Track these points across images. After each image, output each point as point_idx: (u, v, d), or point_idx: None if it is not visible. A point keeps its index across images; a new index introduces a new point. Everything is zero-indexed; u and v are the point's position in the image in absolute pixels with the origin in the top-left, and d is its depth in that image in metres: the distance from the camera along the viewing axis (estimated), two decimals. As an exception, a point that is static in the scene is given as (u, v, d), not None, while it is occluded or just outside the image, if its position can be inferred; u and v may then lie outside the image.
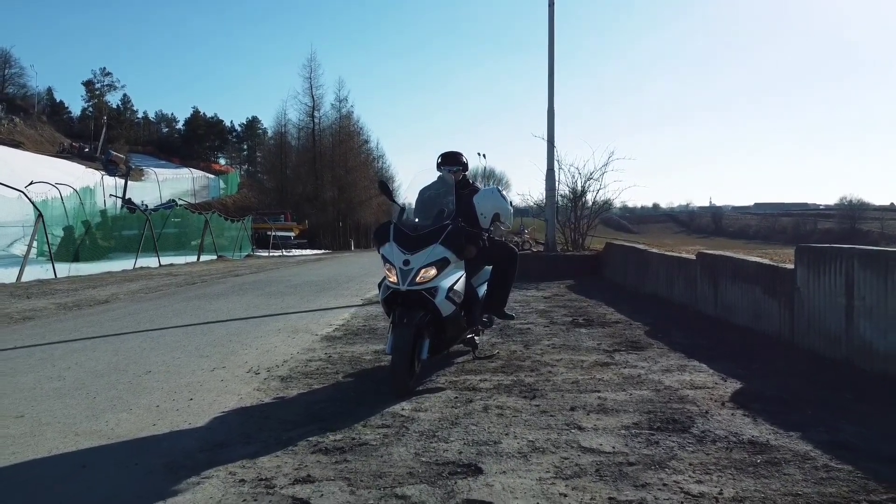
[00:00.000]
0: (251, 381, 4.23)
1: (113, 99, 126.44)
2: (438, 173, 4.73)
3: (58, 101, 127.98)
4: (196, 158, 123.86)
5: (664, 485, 2.36)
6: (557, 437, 2.92)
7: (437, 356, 4.24)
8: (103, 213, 44.35)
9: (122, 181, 48.71)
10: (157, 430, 3.19)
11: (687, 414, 3.25)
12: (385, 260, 4.06)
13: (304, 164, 44.82)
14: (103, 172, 51.01)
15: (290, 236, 36.46)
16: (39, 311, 8.14)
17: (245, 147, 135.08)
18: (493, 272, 4.67)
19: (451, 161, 4.81)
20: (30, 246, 14.43)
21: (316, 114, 45.31)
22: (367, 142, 50.66)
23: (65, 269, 16.70)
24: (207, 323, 7.00)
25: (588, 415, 3.28)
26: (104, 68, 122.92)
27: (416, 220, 4.28)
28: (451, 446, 2.83)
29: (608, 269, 10.89)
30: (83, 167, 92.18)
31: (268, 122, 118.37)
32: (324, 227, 42.18)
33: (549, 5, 12.90)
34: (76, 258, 21.76)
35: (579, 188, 13.06)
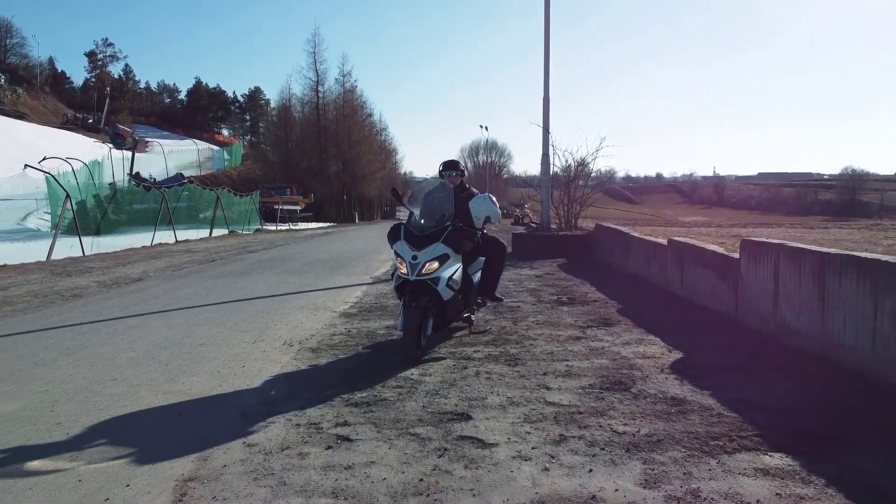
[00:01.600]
0: (287, 351, 5.19)
1: (115, 69, 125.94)
2: (441, 179, 5.66)
3: (59, 70, 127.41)
4: (199, 129, 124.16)
5: (599, 426, 3.32)
6: (529, 395, 3.88)
7: (439, 332, 5.19)
8: (112, 185, 45.14)
9: (130, 154, 49.28)
10: (224, 390, 4.16)
11: (631, 378, 4.21)
12: (397, 255, 4.98)
13: (309, 139, 45.50)
14: (111, 145, 51.65)
15: (296, 210, 37.35)
16: (84, 290, 9.12)
17: (248, 118, 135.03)
18: (486, 263, 5.60)
19: (451, 167, 5.71)
20: (58, 226, 15.23)
21: (320, 88, 45.97)
22: (370, 115, 51.31)
23: (87, 244, 17.62)
24: (237, 301, 7.97)
25: (555, 378, 4.24)
26: (106, 39, 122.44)
27: (423, 221, 5.19)
28: (449, 401, 3.79)
29: (597, 249, 11.82)
30: (89, 139, 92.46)
31: (270, 93, 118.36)
32: (329, 201, 43.07)
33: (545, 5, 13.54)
34: (97, 232, 22.67)
35: (572, 173, 13.87)
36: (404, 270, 4.87)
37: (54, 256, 14.17)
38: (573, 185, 13.81)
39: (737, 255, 5.92)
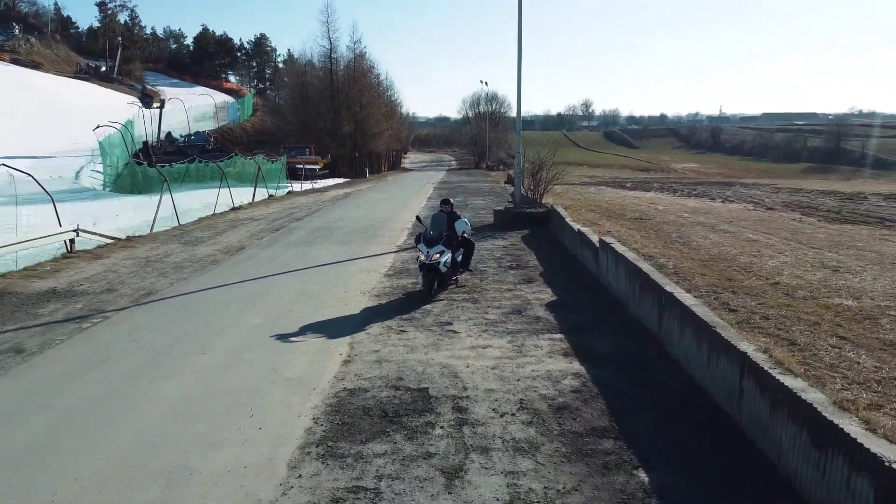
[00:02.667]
0: (364, 297, 10.38)
1: (121, 17, 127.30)
2: (440, 208, 10.77)
3: (65, 16, 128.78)
4: (206, 76, 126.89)
5: (503, 326, 8.51)
6: (479, 316, 9.08)
7: (440, 288, 10.37)
8: (145, 144, 49.95)
9: (157, 112, 53.64)
10: (344, 314, 9.37)
11: (525, 308, 9.40)
12: (419, 250, 10.12)
13: (324, 102, 49.89)
14: (139, 104, 55.94)
15: (315, 169, 42.21)
16: (212, 256, 14.29)
17: (254, 64, 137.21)
18: (464, 252, 10.74)
19: (446, 204, 10.77)
20: (157, 209, 19.35)
21: (333, 55, 50.10)
22: (378, 77, 55.50)
23: (146, 202, 22.47)
24: (317, 266, 13.14)
25: (491, 308, 9.43)
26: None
27: (431, 232, 10.30)
28: (444, 318, 8.99)
29: (551, 224, 16.89)
30: (103, 89, 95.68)
31: (276, 40, 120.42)
32: (342, 158, 47.87)
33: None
34: (144, 191, 27.26)
35: (537, 167, 18.81)
36: (423, 258, 10.02)
37: (133, 222, 19.15)
38: (538, 175, 18.77)
39: (597, 244, 11.02)
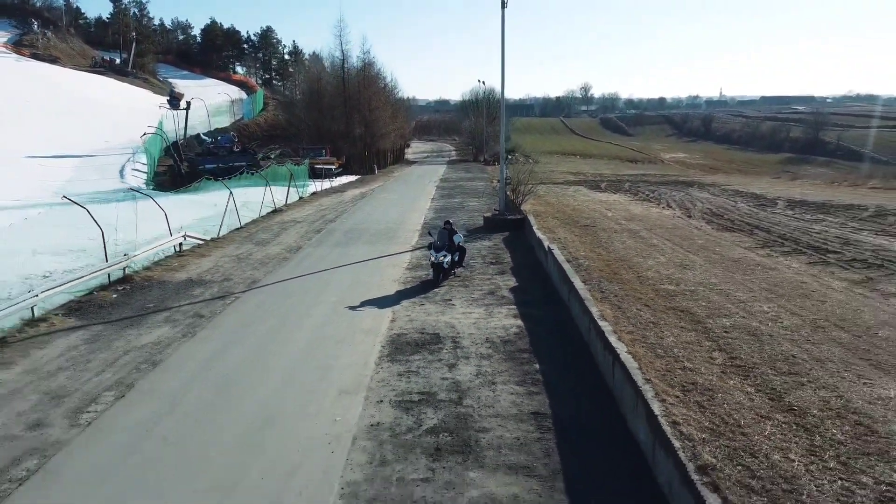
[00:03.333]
0: (395, 283, 16.13)
1: (132, 9, 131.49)
2: (443, 226, 16.50)
3: (74, 7, 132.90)
4: (214, 68, 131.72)
5: (482, 300, 14.26)
6: (467, 296, 14.81)
7: (444, 279, 16.13)
8: (175, 144, 55.57)
9: (183, 114, 58.95)
10: (384, 294, 15.12)
11: (497, 291, 15.12)
12: (430, 254, 15.87)
13: (337, 107, 55.43)
14: (167, 106, 61.30)
15: (331, 168, 47.84)
16: (281, 255, 20.00)
17: (261, 56, 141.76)
18: (459, 255, 16.48)
19: (448, 224, 16.49)
20: (224, 216, 25.15)
21: (345, 65, 55.59)
22: (385, 86, 60.97)
23: (181, 198, 28.14)
24: (357, 262, 18.85)
25: (475, 290, 15.16)
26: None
27: (437, 242, 16.02)
28: (446, 297, 14.73)
29: (525, 229, 22.54)
30: (120, 83, 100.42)
31: (281, 32, 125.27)
32: (354, 157, 53.53)
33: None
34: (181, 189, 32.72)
35: (515, 185, 24.43)
36: (433, 259, 15.76)
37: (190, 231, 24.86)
38: (518, 189, 24.42)
39: (548, 245, 16.72)
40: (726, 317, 11.23)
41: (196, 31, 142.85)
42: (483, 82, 65.56)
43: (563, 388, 9.46)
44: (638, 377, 8.10)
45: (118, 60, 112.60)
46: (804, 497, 5.65)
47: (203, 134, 58.46)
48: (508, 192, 25.33)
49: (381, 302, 14.39)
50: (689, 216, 24.36)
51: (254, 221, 26.96)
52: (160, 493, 7.11)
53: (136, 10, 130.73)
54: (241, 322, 13.13)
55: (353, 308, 13.94)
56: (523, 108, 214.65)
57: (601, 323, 10.27)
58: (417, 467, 7.42)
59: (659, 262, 16.12)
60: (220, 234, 23.60)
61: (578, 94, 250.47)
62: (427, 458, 7.62)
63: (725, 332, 10.39)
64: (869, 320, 10.87)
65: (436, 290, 15.33)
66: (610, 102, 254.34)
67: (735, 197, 31.02)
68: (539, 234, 18.62)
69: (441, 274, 15.82)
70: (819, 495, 5.70)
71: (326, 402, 9.26)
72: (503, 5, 22.89)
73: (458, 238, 16.26)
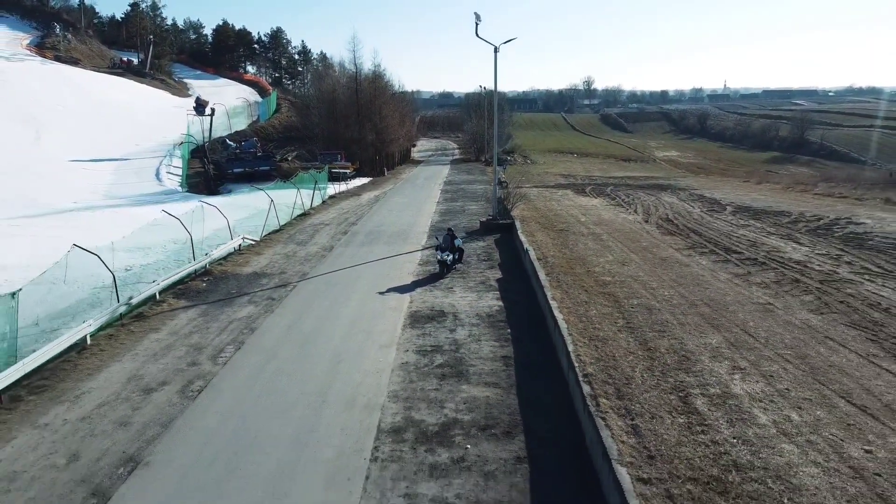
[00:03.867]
0: (410, 276, 21.44)
1: (147, 10, 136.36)
2: (447, 232, 21.82)
3: (89, 6, 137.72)
4: (226, 68, 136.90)
5: (476, 288, 19.58)
6: (465, 284, 20.12)
7: (447, 273, 21.45)
8: (201, 148, 60.89)
9: (208, 120, 64.10)
10: (403, 283, 20.44)
11: (486, 282, 20.43)
12: (437, 253, 21.22)
13: (350, 116, 60.74)
14: (193, 113, 66.47)
15: (346, 172, 53.15)
16: (319, 253, 25.33)
17: (271, 56, 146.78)
18: (459, 254, 21.79)
19: (449, 231, 21.80)
20: (266, 219, 30.53)
21: (358, 78, 60.70)
22: (394, 94, 66.14)
23: (214, 200, 33.52)
24: (380, 259, 24.18)
25: (471, 281, 20.47)
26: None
27: (442, 244, 21.35)
28: (449, 286, 20.04)
29: (513, 231, 27.78)
30: (140, 85, 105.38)
31: (291, 34, 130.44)
32: (367, 161, 58.91)
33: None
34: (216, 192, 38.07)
35: (502, 195, 29.66)
36: (440, 258, 21.10)
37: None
38: (509, 198, 29.67)
39: (527, 246, 22.00)
40: (636, 298, 16.53)
41: (207, 31, 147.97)
42: (484, 87, 70.81)
43: (524, 342, 14.81)
44: (566, 333, 13.42)
45: (136, 61, 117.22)
46: (632, 386, 10.99)
47: (227, 138, 63.55)
48: (501, 194, 30.57)
49: (402, 289, 19.71)
50: (647, 221, 29.47)
51: (289, 223, 32.27)
52: (283, 395, 12.49)
53: (149, 11, 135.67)
54: (303, 303, 18.49)
55: (381, 293, 19.26)
56: (527, 101, 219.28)
57: (552, 302, 15.58)
58: (431, 384, 12.76)
59: (607, 259, 21.35)
60: (263, 236, 28.95)
61: (581, 88, 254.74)
62: (437, 379, 12.96)
63: (632, 307, 15.69)
64: (729, 301, 16.12)
65: (441, 280, 20.64)
66: (612, 96, 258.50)
67: (695, 202, 36.09)
68: (522, 237, 23.89)
69: (445, 269, 21.14)
70: (642, 386, 11.04)
71: (372, 351, 14.62)
72: (496, 51, 28.09)
73: (458, 241, 21.57)
